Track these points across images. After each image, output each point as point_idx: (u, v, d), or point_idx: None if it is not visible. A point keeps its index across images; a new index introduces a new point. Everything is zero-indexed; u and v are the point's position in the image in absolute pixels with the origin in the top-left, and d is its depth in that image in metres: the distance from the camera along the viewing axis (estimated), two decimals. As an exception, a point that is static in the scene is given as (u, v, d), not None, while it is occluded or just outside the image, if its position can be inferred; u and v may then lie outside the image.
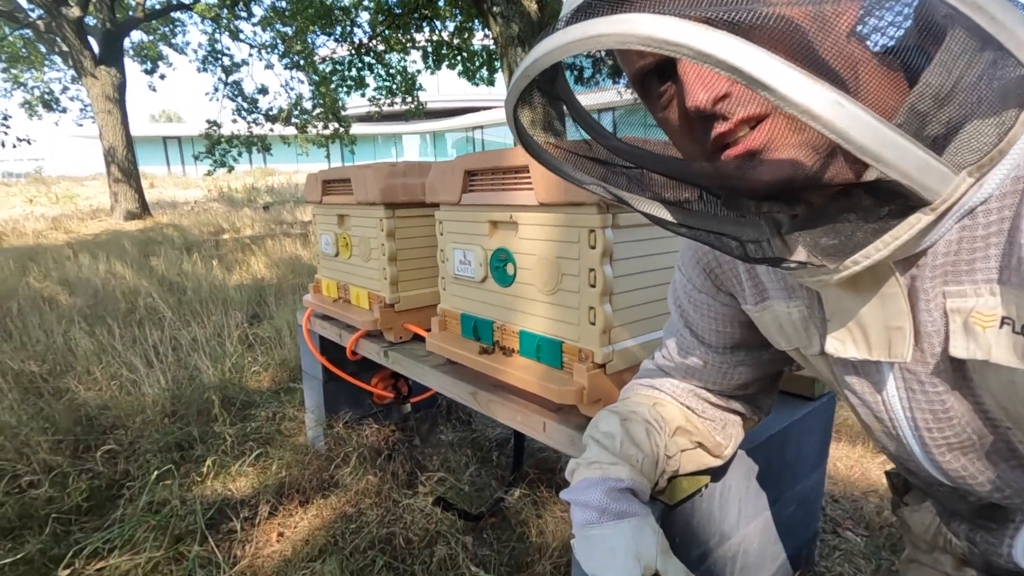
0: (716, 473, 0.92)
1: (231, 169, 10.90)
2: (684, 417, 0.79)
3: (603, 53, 0.55)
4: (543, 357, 1.03)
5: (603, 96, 0.74)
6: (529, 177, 0.99)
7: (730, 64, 0.34)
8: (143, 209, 9.88)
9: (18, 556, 1.39)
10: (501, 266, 1.10)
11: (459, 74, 10.65)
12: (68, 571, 1.36)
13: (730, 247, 0.49)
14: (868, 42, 0.42)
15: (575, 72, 0.58)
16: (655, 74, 0.48)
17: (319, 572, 1.31)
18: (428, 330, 1.46)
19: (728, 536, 1.00)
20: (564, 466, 1.78)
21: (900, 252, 0.42)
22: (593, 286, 0.92)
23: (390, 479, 1.66)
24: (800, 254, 0.46)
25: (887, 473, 0.88)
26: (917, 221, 0.40)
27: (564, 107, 0.57)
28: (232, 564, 1.38)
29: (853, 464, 1.88)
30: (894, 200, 0.40)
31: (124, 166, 9.61)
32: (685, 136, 0.50)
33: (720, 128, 0.45)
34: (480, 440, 1.97)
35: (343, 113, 11.14)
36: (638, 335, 1.00)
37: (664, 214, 0.54)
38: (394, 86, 10.83)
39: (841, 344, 0.51)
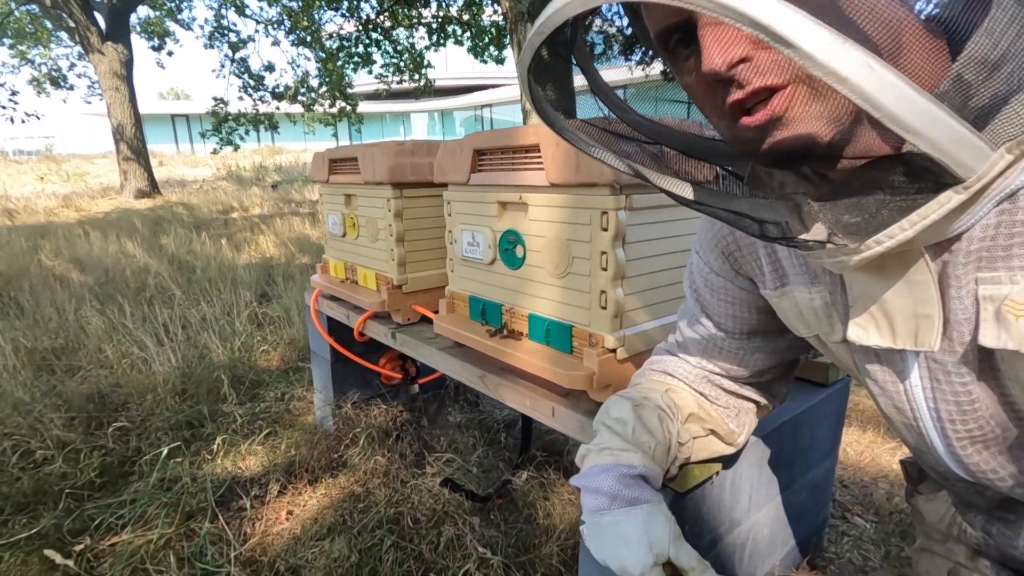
0: (728, 460, 0.90)
1: (237, 147, 10.87)
2: (697, 404, 0.77)
3: (620, 15, 0.52)
4: (552, 341, 1.01)
5: (618, 74, 0.71)
6: (540, 156, 0.96)
7: (750, 17, 0.31)
8: (153, 187, 9.90)
9: (33, 531, 1.41)
10: (510, 248, 1.08)
11: (467, 51, 10.49)
12: (82, 546, 1.39)
13: (749, 226, 0.47)
14: (910, 5, 0.39)
15: (589, 42, 0.55)
16: (679, 35, 0.46)
17: (328, 550, 1.32)
18: (436, 312, 1.45)
19: (738, 523, 0.99)
20: (572, 449, 1.78)
21: (929, 234, 0.39)
22: (605, 269, 0.90)
23: (398, 459, 1.67)
24: (820, 232, 0.43)
25: (902, 462, 0.86)
26: (948, 200, 0.37)
27: (582, 76, 0.54)
28: (242, 541, 1.40)
29: (863, 450, 1.86)
30: (924, 176, 0.37)
31: (133, 144, 9.61)
32: (706, 104, 0.48)
33: (735, 96, 0.42)
34: (488, 422, 1.97)
35: (350, 91, 11.03)
36: (650, 320, 0.98)
37: (683, 191, 0.51)
38: (401, 63, 10.69)
39: (864, 332, 0.49)
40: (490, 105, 28.43)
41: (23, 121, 11.42)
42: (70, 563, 1.20)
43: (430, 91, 10.91)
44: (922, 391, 0.50)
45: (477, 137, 1.10)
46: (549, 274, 1.00)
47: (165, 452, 1.65)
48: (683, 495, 0.81)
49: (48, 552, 1.19)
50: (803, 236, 0.43)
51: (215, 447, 1.78)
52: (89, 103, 13.58)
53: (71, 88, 12.27)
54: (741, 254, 0.67)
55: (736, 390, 0.78)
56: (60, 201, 9.31)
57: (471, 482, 1.59)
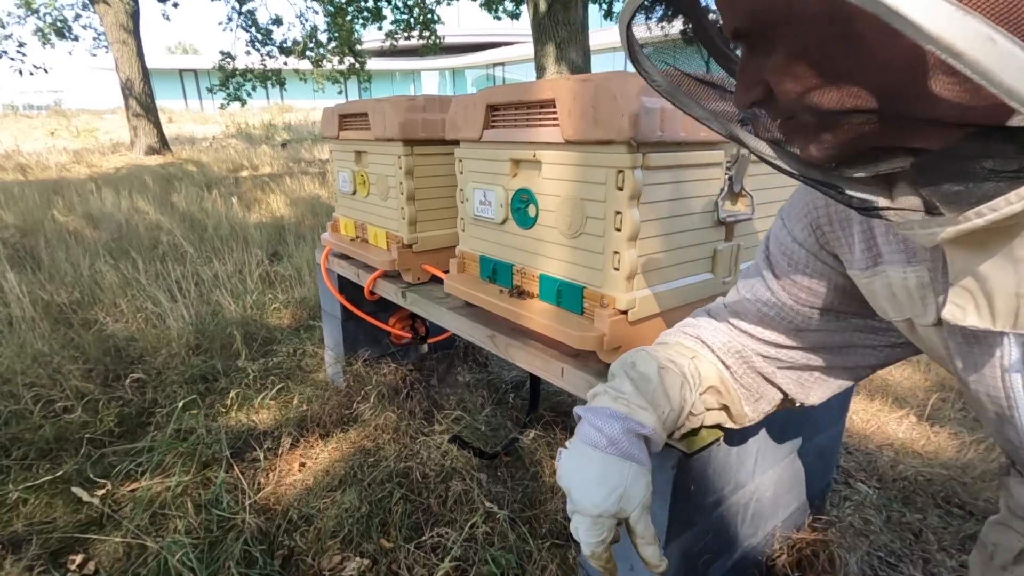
0: (735, 423, 0.91)
1: (244, 103, 10.74)
2: (719, 378, 0.76)
3: None
4: (563, 302, 1.01)
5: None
6: (555, 112, 0.93)
7: None
8: (163, 144, 9.85)
9: (56, 475, 1.46)
10: (523, 207, 1.06)
11: (480, 6, 10.15)
12: (103, 491, 1.44)
13: (841, 195, 0.44)
14: None
15: None
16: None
17: (339, 501, 1.36)
18: (446, 272, 1.45)
19: (743, 484, 1.00)
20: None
21: None
22: (619, 230, 0.88)
23: (407, 416, 1.70)
24: (914, 200, 0.41)
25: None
26: None
27: (688, 26, 0.50)
28: (256, 490, 1.44)
29: (870, 418, 1.87)
30: None
31: (142, 100, 9.52)
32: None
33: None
34: (496, 382, 1.99)
35: (359, 47, 10.77)
36: (663, 282, 0.97)
37: (781, 159, 0.48)
38: (412, 19, 10.39)
39: (961, 311, 0.46)
40: (503, 64, 27.73)
41: (31, 74, 11.33)
42: (95, 500, 1.24)
43: (436, 49, 10.62)
44: (1021, 378, 0.47)
45: (491, 91, 1.07)
46: (562, 234, 0.99)
47: (181, 405, 1.68)
48: (690, 456, 0.82)
49: (75, 489, 1.24)
50: (897, 205, 0.42)
51: (229, 401, 1.81)
52: (95, 56, 13.41)
53: (76, 39, 12.09)
54: (831, 229, 0.63)
55: (769, 373, 0.76)
56: (71, 157, 9.30)
57: (479, 440, 1.62)
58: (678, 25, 0.50)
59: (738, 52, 0.50)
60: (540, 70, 6.36)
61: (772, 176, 1.11)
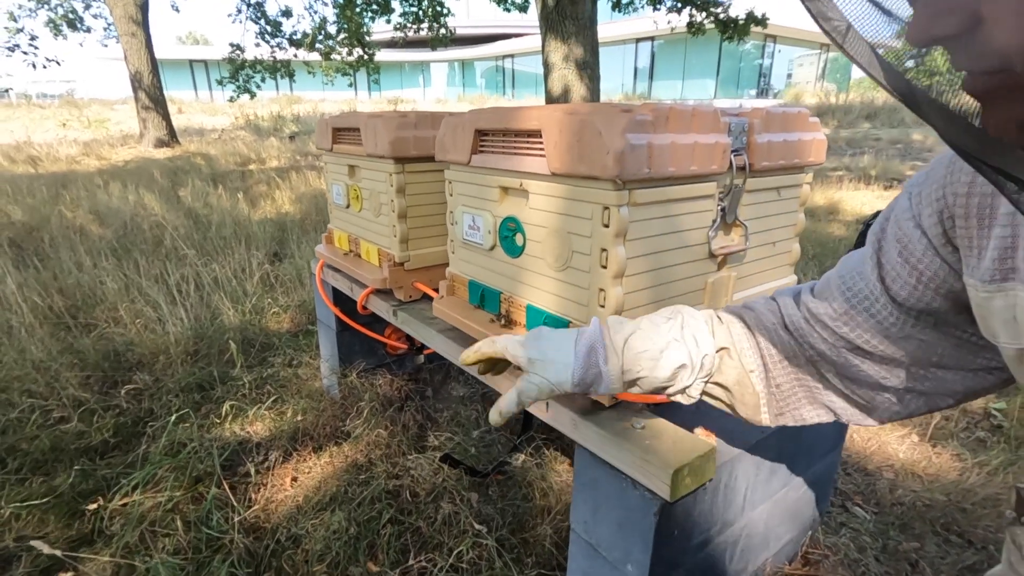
0: (723, 464, 0.89)
1: (254, 96, 10.73)
2: (737, 379, 0.75)
3: None
4: (549, 335, 0.98)
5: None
6: (542, 143, 0.90)
7: None
8: (171, 136, 9.89)
9: (51, 495, 1.46)
10: (510, 235, 1.04)
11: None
12: (95, 505, 1.44)
13: (1006, 186, 0.35)
14: None
15: None
16: None
17: (328, 522, 1.36)
18: (438, 290, 1.43)
19: (731, 523, 0.98)
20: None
21: None
22: (604, 267, 0.86)
23: (400, 432, 1.69)
24: None
25: (1017, 488, 0.77)
26: None
27: None
28: (247, 507, 1.44)
29: (871, 437, 1.83)
30: None
31: (151, 92, 9.55)
32: None
33: None
34: (491, 395, 1.98)
35: (368, 39, 10.70)
36: (650, 318, 0.94)
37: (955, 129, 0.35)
38: (420, 12, 10.30)
39: None
40: (511, 56, 27.51)
41: (44, 67, 11.38)
42: (57, 552, 1.23)
43: (447, 41, 10.53)
44: None
45: (479, 115, 1.04)
46: (548, 266, 0.97)
47: (173, 419, 1.68)
48: (672, 504, 0.80)
49: (34, 543, 1.23)
50: None
51: (223, 412, 1.81)
52: (106, 46, 13.45)
53: (88, 30, 12.14)
54: (966, 224, 0.53)
55: (815, 384, 0.72)
56: (82, 148, 9.36)
57: (470, 458, 1.61)
58: None
59: None
60: (547, 64, 6.29)
61: (768, 204, 1.08)
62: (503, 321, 1.09)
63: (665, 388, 0.76)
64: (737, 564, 1.05)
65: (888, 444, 1.81)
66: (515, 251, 1.04)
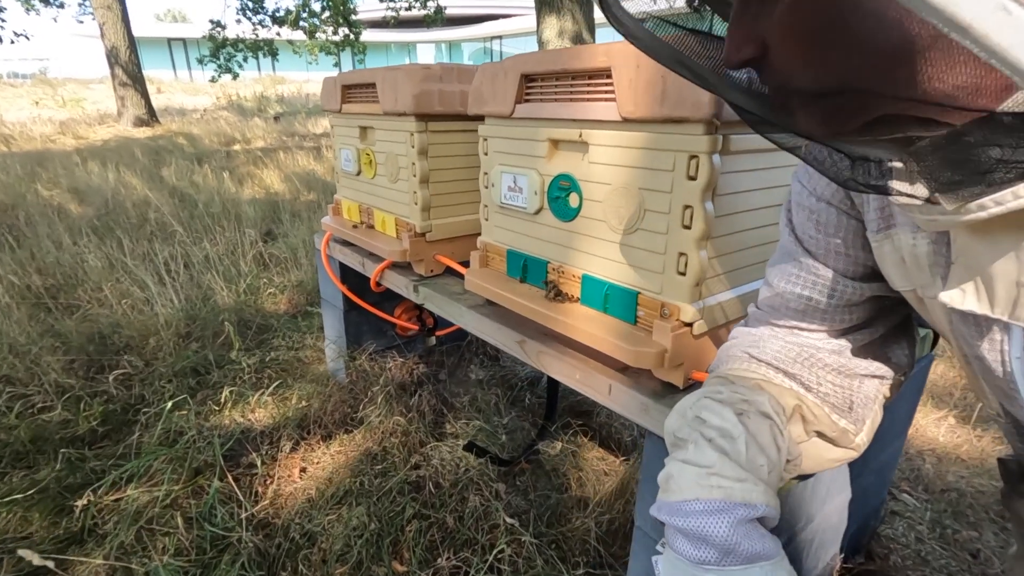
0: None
1: (236, 76, 10.39)
2: (796, 396, 0.63)
3: None
4: (612, 309, 0.87)
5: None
6: (611, 83, 0.77)
7: None
8: (151, 115, 9.54)
9: (34, 488, 1.32)
10: (562, 196, 0.91)
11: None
12: (85, 500, 1.31)
13: (838, 169, 0.39)
14: None
15: None
16: None
17: (345, 517, 1.24)
18: (464, 264, 1.30)
19: (813, 518, 0.88)
20: (602, 411, 1.68)
21: None
22: (688, 227, 0.74)
23: (417, 418, 1.57)
24: (917, 187, 0.37)
25: (1000, 460, 0.74)
26: None
27: None
28: (254, 501, 1.32)
29: (909, 420, 1.75)
30: None
31: (129, 69, 9.18)
32: None
33: None
34: (510, 378, 1.86)
35: (354, 17, 10.38)
36: (734, 287, 0.83)
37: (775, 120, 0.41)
38: (410, -13, 10.01)
39: (961, 295, 0.44)
40: (500, 37, 27.07)
41: (12, 42, 10.90)
42: (49, 564, 1.09)
43: (441, 19, 10.25)
44: (1021, 364, 0.45)
45: (527, 58, 0.91)
46: (612, 229, 0.84)
47: (168, 406, 1.54)
48: (773, 499, 0.69)
49: (22, 552, 1.08)
50: (898, 187, 0.38)
51: (223, 398, 1.68)
52: (81, 23, 12.94)
53: (61, 6, 11.61)
54: None
55: (842, 365, 0.63)
56: (57, 127, 8.97)
57: (495, 445, 1.49)
58: None
59: None
60: (541, 44, 6.11)
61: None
62: (552, 293, 0.96)
63: (781, 472, 0.61)
64: (811, 562, 0.95)
65: (926, 428, 1.73)
66: (568, 214, 0.91)
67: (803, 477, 0.78)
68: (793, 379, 0.63)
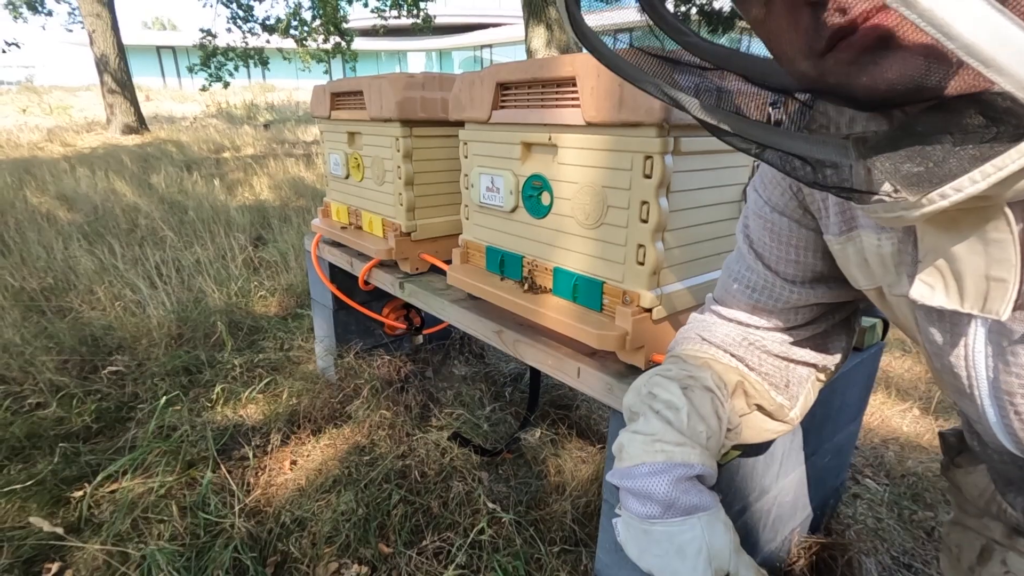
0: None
1: (227, 84, 10.42)
2: (739, 374, 0.70)
3: None
4: (580, 298, 0.94)
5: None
6: (576, 92, 0.85)
7: None
8: (140, 123, 9.53)
9: (31, 481, 1.37)
10: (535, 195, 0.99)
11: (469, -15, 9.89)
12: (81, 492, 1.35)
13: (800, 170, 0.41)
14: None
15: None
16: None
17: (334, 503, 1.29)
18: (447, 261, 1.37)
19: (767, 490, 0.95)
20: (581, 404, 1.75)
21: (1006, 188, 0.33)
22: (645, 221, 0.81)
23: (403, 412, 1.63)
24: (876, 182, 0.38)
25: (940, 433, 0.81)
26: None
27: None
28: (246, 492, 1.37)
29: (874, 411, 1.84)
30: (1004, 121, 0.31)
31: (118, 76, 9.18)
32: (783, 37, 0.41)
33: (837, 21, 0.35)
34: (494, 374, 1.93)
35: (345, 26, 10.46)
36: (690, 276, 0.90)
37: (732, 126, 0.44)
38: (398, -4, 10.10)
39: (930, 290, 0.44)
40: (490, 46, 27.30)
41: (3, 51, 10.85)
42: (59, 530, 1.14)
43: (429, 27, 10.36)
44: (984, 359, 0.46)
45: (502, 68, 0.98)
46: (579, 224, 0.92)
47: (163, 401, 1.59)
48: (721, 466, 0.76)
49: (33, 519, 1.13)
50: (858, 184, 0.39)
51: (215, 395, 1.73)
52: (70, 31, 12.90)
53: (49, 13, 11.59)
54: (809, 191, 0.60)
55: (784, 352, 0.70)
56: (44, 135, 8.95)
57: (479, 436, 1.56)
58: None
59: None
60: (530, 53, 6.22)
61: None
62: (527, 286, 1.03)
63: (720, 439, 0.67)
64: (768, 533, 1.03)
65: (891, 418, 1.82)
66: (540, 211, 0.98)
67: (752, 453, 0.86)
68: (739, 360, 0.70)
